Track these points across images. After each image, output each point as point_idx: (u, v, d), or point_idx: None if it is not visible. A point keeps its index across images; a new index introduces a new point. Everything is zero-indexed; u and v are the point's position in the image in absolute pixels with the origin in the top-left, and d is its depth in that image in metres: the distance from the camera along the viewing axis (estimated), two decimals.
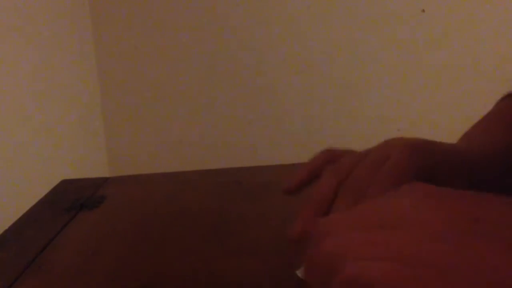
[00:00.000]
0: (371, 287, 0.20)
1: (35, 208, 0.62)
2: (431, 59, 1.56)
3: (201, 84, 1.59)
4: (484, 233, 0.21)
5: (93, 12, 1.53)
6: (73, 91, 1.42)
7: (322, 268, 0.23)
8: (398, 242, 0.22)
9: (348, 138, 1.57)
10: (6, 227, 0.56)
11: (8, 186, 1.02)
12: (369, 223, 0.24)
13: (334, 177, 0.35)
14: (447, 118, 1.56)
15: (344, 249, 0.22)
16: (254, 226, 0.53)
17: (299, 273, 0.41)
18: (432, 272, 0.20)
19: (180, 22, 1.56)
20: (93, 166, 1.53)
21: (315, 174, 0.38)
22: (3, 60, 1.05)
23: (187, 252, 0.48)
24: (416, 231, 0.22)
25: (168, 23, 1.56)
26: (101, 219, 0.58)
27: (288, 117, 1.60)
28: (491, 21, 1.52)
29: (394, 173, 0.32)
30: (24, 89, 1.14)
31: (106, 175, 0.98)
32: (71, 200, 0.62)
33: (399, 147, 0.33)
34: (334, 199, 0.34)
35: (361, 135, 1.57)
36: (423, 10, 1.53)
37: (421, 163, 0.33)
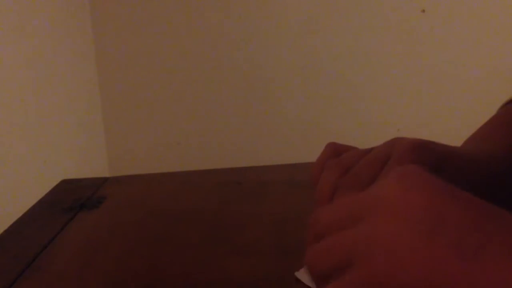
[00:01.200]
0: None
1: (35, 208, 0.62)
2: (431, 60, 1.56)
3: (201, 84, 1.59)
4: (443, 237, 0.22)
5: (93, 12, 1.53)
6: (73, 91, 1.42)
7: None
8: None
9: (348, 138, 1.57)
10: (6, 227, 0.56)
11: (8, 186, 1.02)
12: (351, 215, 0.26)
13: (334, 172, 0.35)
14: (447, 118, 1.56)
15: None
16: (254, 226, 0.53)
17: (298, 274, 0.41)
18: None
19: (179, 21, 1.56)
20: (93, 166, 1.53)
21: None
22: (2, 60, 1.05)
23: (187, 252, 0.48)
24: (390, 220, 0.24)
25: (167, 22, 1.56)
26: (101, 219, 0.58)
27: (288, 117, 1.60)
28: (491, 21, 1.52)
29: None
30: (24, 88, 1.14)
31: (106, 175, 0.98)
32: (71, 200, 0.62)
33: (402, 145, 0.33)
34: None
35: (361, 135, 1.57)
36: (423, 10, 1.53)
37: (423, 163, 0.33)
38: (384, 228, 0.23)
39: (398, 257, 0.22)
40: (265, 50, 1.57)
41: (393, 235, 0.22)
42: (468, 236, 0.21)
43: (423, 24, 1.53)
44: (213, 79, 1.59)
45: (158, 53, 1.57)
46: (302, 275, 0.40)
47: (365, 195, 0.26)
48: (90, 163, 1.51)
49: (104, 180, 0.70)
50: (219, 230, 0.52)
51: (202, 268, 0.45)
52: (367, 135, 1.57)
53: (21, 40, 1.14)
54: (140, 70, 1.59)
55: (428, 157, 0.33)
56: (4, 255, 0.50)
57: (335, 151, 0.38)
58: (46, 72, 1.25)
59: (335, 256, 0.25)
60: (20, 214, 0.59)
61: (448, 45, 1.55)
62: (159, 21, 1.56)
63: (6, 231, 0.55)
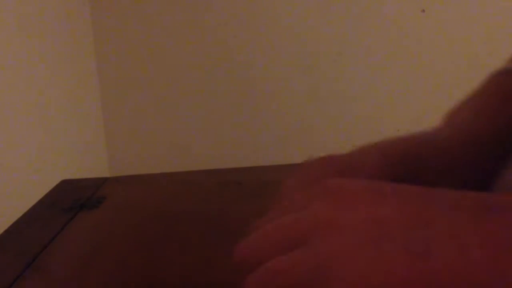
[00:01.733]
0: None
1: (35, 208, 0.62)
2: (431, 59, 1.56)
3: (201, 84, 1.59)
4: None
5: (93, 12, 1.53)
6: (73, 91, 1.42)
7: None
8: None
9: (348, 137, 1.57)
10: (6, 227, 0.56)
11: (8, 186, 1.02)
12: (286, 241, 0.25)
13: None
14: None
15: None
16: None
17: None
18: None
19: (180, 22, 1.56)
20: (93, 166, 1.53)
21: None
22: (2, 60, 1.05)
23: (187, 252, 0.48)
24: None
25: (168, 23, 1.56)
26: (101, 219, 0.58)
27: (288, 117, 1.60)
28: (491, 21, 1.52)
29: None
30: (24, 89, 1.14)
31: (106, 175, 0.98)
32: (71, 200, 0.62)
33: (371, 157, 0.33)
34: None
35: (361, 135, 1.57)
36: (423, 10, 1.53)
37: (397, 176, 0.32)
38: (333, 253, 0.22)
39: (353, 278, 0.21)
40: (265, 50, 1.57)
41: (344, 258, 0.22)
42: (413, 236, 0.21)
43: (423, 24, 1.53)
44: (213, 79, 1.59)
45: (158, 53, 1.57)
46: None
47: (299, 217, 0.25)
48: (90, 163, 1.51)
49: (104, 180, 0.70)
50: (219, 230, 0.52)
51: (202, 268, 0.45)
52: (367, 135, 1.56)
53: (21, 40, 1.14)
54: (140, 70, 1.59)
55: (402, 167, 0.32)
56: (4, 255, 0.50)
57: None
58: (46, 72, 1.25)
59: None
60: (20, 214, 0.59)
61: (448, 45, 1.55)
62: (159, 21, 1.56)
63: (6, 231, 0.55)
